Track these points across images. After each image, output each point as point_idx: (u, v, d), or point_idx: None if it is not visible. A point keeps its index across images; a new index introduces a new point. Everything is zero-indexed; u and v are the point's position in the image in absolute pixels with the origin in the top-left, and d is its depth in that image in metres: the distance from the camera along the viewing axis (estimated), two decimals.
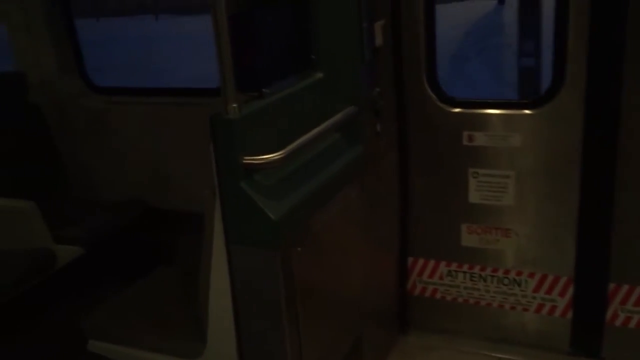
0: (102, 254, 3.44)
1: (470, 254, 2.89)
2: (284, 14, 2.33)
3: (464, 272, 2.92)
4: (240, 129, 1.88)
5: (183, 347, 2.33)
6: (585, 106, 2.49)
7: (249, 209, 1.89)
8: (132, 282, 2.84)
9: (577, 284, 2.73)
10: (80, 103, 3.85)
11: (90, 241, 3.33)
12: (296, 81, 2.26)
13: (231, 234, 1.96)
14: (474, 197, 2.79)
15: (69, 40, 3.84)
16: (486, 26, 15.30)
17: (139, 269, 2.98)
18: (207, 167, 1.95)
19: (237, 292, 2.01)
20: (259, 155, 1.89)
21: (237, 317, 2.04)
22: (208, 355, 2.22)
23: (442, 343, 2.99)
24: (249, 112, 1.93)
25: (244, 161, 1.88)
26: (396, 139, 2.80)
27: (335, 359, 2.41)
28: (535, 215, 2.74)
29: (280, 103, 2.10)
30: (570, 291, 2.75)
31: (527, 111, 2.64)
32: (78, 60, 3.89)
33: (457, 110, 2.74)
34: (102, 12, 21.35)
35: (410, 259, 3.01)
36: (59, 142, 3.80)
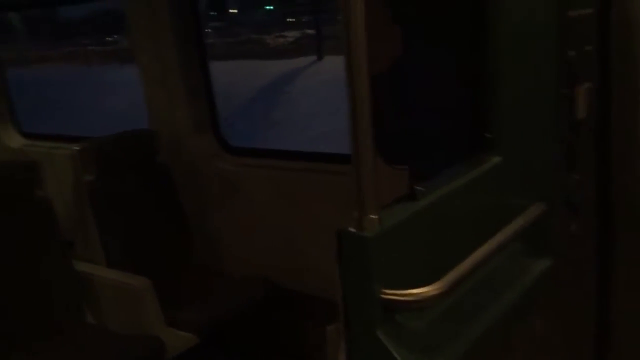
0: (219, 340, 3.01)
1: None
2: (446, 72, 1.75)
3: None
4: (379, 250, 1.28)
5: None
6: None
7: None
8: None
9: None
10: (212, 164, 3.51)
11: (207, 328, 2.91)
12: (463, 169, 1.63)
13: None
14: None
15: (204, 97, 3.55)
16: None
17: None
18: None
19: None
20: (405, 289, 1.28)
21: None
22: None
23: None
24: (394, 225, 1.33)
25: (383, 296, 1.28)
26: (598, 246, 2.03)
27: None
28: None
29: (439, 206, 1.47)
30: None
31: None
32: (213, 117, 3.58)
33: None
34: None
35: None
36: (186, 206, 3.49)
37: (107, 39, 24.32)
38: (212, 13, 22.22)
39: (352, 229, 1.27)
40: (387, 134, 1.72)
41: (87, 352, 2.78)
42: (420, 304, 1.29)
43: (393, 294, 1.27)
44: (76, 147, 3.16)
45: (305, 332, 2.97)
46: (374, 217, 1.26)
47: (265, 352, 3.18)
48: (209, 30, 18.98)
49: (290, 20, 23.89)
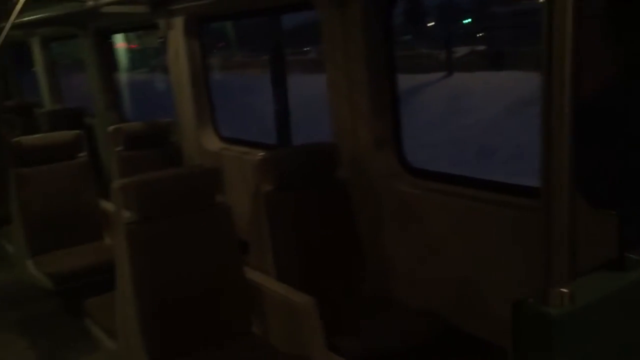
0: None
1: None
2: None
3: None
4: (566, 332, 1.00)
5: None
6: None
7: None
8: None
9: None
10: (390, 184, 3.35)
11: (369, 358, 2.74)
12: None
13: None
14: None
15: (389, 113, 3.40)
16: None
17: None
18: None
19: None
20: None
21: None
22: None
23: None
24: (589, 303, 1.03)
25: None
26: None
27: None
28: None
29: None
30: None
31: None
32: (395, 135, 3.41)
33: None
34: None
35: None
36: (359, 226, 3.36)
37: (304, 49, 25.77)
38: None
39: (534, 301, 1.01)
40: (590, 170, 1.42)
41: None
42: None
43: None
44: (259, 156, 3.19)
45: None
46: (564, 290, 0.97)
47: None
48: None
49: (480, 35, 23.24)
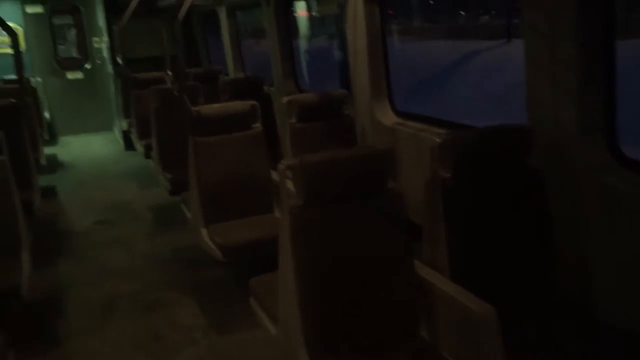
0: None
1: None
2: None
3: None
4: None
5: None
6: None
7: None
8: None
9: None
10: (597, 178, 2.78)
11: None
12: None
13: None
14: None
15: (600, 94, 2.81)
16: None
17: None
18: None
19: None
20: None
21: None
22: None
23: None
24: None
25: None
26: None
27: None
28: None
29: None
30: None
31: None
32: (607, 120, 2.82)
33: None
34: None
35: None
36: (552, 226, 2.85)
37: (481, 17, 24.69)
38: None
39: None
40: None
41: None
42: None
43: None
44: (437, 139, 2.81)
45: None
46: None
47: None
48: None
49: None
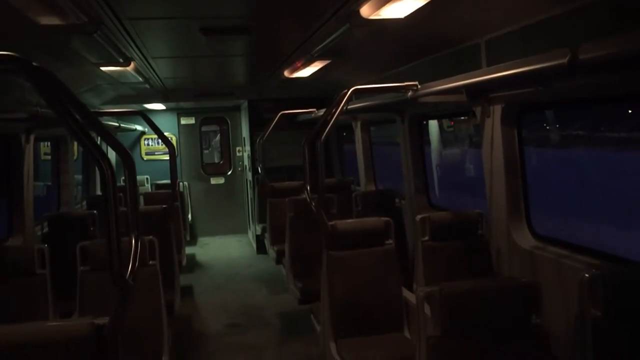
0: None
1: None
2: None
3: None
4: None
5: None
6: None
7: None
8: None
9: None
10: None
11: None
12: None
13: None
14: None
15: None
16: None
17: None
18: None
19: None
20: None
21: None
22: None
23: None
24: None
25: None
26: None
27: None
28: None
29: None
30: None
31: None
32: None
33: None
34: None
35: None
36: None
37: None
38: None
39: None
40: None
41: None
42: None
43: None
44: (584, 272, 2.66)
45: None
46: None
47: None
48: None
49: None
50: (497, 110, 4.41)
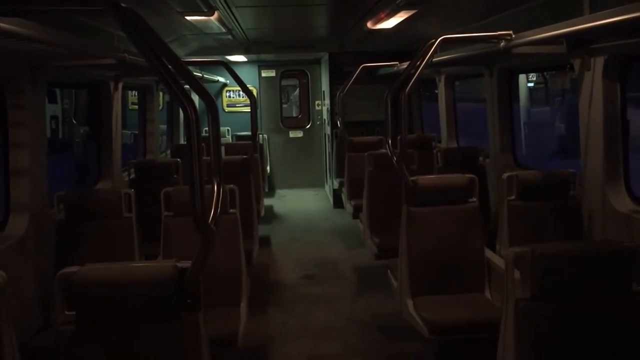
0: None
1: None
2: None
3: None
4: None
5: None
6: None
7: None
8: None
9: None
10: None
11: None
12: None
13: None
14: None
15: None
16: None
17: None
18: None
19: None
20: None
21: None
22: None
23: None
24: None
25: None
26: None
27: None
28: None
29: None
30: None
31: None
32: None
33: None
34: None
35: None
36: None
37: None
38: None
39: None
40: None
41: None
42: None
43: None
44: None
45: None
46: None
47: None
48: None
49: None
50: (598, 62, 4.08)
